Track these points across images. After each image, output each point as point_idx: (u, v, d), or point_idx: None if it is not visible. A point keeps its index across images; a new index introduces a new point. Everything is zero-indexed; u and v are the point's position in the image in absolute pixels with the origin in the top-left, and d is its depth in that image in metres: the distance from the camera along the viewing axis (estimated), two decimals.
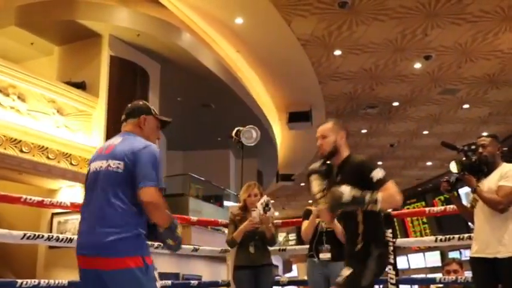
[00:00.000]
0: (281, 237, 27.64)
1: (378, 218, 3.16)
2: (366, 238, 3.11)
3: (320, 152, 3.39)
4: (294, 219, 9.50)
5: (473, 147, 3.83)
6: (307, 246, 4.64)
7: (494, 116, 14.52)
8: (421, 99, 13.37)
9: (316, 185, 3.34)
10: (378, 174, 3.05)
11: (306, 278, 4.72)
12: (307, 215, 4.54)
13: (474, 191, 3.72)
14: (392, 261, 4.55)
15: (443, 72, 11.86)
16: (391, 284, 4.51)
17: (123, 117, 3.06)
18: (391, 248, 4.60)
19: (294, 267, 26.14)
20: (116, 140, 2.92)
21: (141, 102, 3.12)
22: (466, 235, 4.44)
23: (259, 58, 11.48)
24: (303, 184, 21.49)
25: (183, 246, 2.98)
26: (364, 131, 15.82)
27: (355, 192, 2.99)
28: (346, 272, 3.06)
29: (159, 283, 2.74)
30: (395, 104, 13.71)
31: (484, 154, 3.80)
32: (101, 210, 2.67)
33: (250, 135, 5.50)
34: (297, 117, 13.25)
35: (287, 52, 10.96)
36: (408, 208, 20.38)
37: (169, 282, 4.97)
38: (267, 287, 4.63)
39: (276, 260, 23.18)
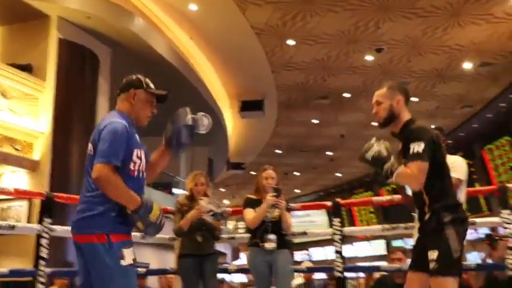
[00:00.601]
0: (230, 225, 27.69)
1: (443, 181, 2.93)
2: (432, 205, 2.90)
3: (376, 119, 3.27)
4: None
5: None
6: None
7: (442, 110, 14.90)
8: (372, 91, 13.35)
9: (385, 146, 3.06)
10: (415, 147, 2.84)
11: None
12: (248, 203, 4.54)
13: None
14: (339, 249, 4.61)
15: (393, 65, 12.08)
16: (338, 271, 4.57)
17: (117, 92, 2.97)
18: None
19: (242, 255, 26.30)
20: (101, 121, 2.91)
21: (134, 76, 2.99)
22: (410, 224, 4.54)
23: (212, 45, 11.40)
24: (253, 173, 21.57)
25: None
26: (315, 121, 15.97)
27: (382, 153, 2.91)
28: (433, 255, 2.79)
29: (126, 262, 2.63)
30: (347, 95, 13.88)
31: None
32: (80, 192, 2.77)
33: (201, 123, 5.44)
34: (249, 106, 13.26)
35: (241, 40, 10.92)
36: (356, 197, 20.79)
37: None
38: (211, 276, 4.64)
39: (225, 248, 23.28)
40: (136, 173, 2.75)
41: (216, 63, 12.28)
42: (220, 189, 24.06)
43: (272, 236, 4.36)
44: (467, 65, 12.03)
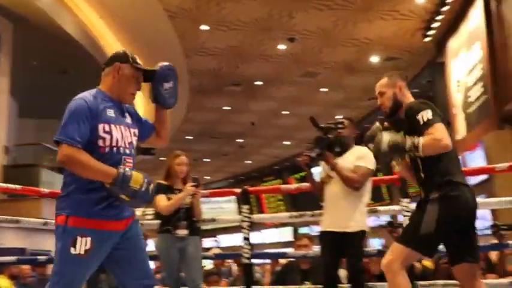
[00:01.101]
0: (139, 211, 27.19)
1: (439, 161, 2.84)
2: (426, 184, 2.89)
3: (383, 111, 3.18)
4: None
5: (333, 126, 4.01)
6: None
7: (349, 101, 15.36)
8: (283, 80, 13.76)
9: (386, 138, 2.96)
10: (424, 116, 2.80)
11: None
12: (160, 189, 4.46)
13: (333, 168, 3.90)
14: (247, 236, 4.64)
15: (305, 55, 12.28)
16: (246, 258, 4.60)
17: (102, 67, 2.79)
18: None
19: (150, 241, 25.90)
20: None
21: (121, 50, 2.84)
22: (318, 211, 4.64)
23: (123, 26, 11.07)
24: (163, 158, 21.27)
25: (32, 219, 2.78)
26: (226, 107, 15.97)
27: (395, 139, 2.85)
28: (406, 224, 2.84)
29: (76, 250, 2.46)
30: (259, 83, 13.98)
31: (343, 135, 4.02)
32: None
33: None
34: None
35: (153, 22, 10.68)
36: (265, 185, 21.07)
37: (13, 258, 4.66)
38: None
39: None
40: (107, 149, 2.57)
41: (126, 44, 11.93)
42: None
43: (184, 223, 4.33)
44: (374, 59, 12.47)
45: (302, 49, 11.96)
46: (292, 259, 5.30)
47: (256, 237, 21.93)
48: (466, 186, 2.86)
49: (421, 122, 2.78)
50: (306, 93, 14.73)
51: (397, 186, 5.26)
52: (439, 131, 2.75)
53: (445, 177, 2.82)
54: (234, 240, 22.39)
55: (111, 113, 2.62)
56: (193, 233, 4.39)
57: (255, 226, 4.79)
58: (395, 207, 4.60)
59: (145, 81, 2.84)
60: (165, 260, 4.37)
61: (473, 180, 9.34)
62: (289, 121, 17.12)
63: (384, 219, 9.00)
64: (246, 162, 23.01)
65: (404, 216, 4.35)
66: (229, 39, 11.38)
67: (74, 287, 2.54)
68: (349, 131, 4.08)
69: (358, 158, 3.95)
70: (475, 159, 9.29)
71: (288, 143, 20.02)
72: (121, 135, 2.63)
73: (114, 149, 2.60)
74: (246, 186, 4.86)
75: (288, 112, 16.33)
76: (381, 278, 4.63)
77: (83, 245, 2.49)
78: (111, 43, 11.84)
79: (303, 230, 19.99)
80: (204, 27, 10.82)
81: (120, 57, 2.76)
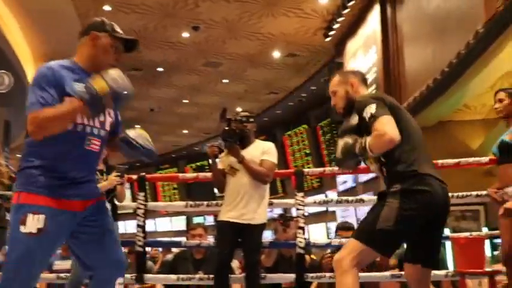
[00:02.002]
0: None
1: (400, 151, 2.60)
2: (389, 177, 2.67)
3: (337, 111, 2.93)
4: None
5: (244, 119, 4.08)
6: None
7: (249, 94, 15.54)
8: (185, 68, 13.66)
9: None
10: (368, 111, 2.59)
11: None
12: None
13: (241, 161, 3.97)
14: (141, 223, 4.60)
15: (209, 45, 12.26)
16: (139, 246, 4.56)
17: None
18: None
19: None
20: None
21: (98, 18, 2.62)
22: (214, 202, 4.69)
23: (19, 1, 10.48)
24: None
25: None
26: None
27: (346, 145, 2.63)
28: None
29: (26, 229, 2.27)
30: (160, 69, 13.79)
31: (247, 128, 4.11)
32: None
33: (1, 81, 5.04)
34: None
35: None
36: (161, 173, 20.88)
37: None
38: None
39: None
40: (70, 125, 2.38)
41: (22, 21, 11.31)
42: (18, 155, 22.41)
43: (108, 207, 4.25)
44: (276, 54, 12.70)
45: (206, 38, 11.93)
46: (184, 248, 5.32)
47: (150, 225, 21.67)
48: (436, 179, 2.62)
49: (367, 119, 2.58)
50: (207, 83, 14.72)
51: (291, 180, 5.42)
52: (381, 124, 2.52)
53: (409, 167, 2.59)
54: (125, 227, 22.02)
55: (80, 86, 2.38)
56: (115, 218, 4.33)
57: (149, 214, 4.76)
58: (290, 201, 4.75)
59: (127, 51, 2.69)
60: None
61: (363, 177, 9.85)
62: (189, 110, 17.05)
63: (277, 211, 9.25)
64: None
65: (298, 209, 4.51)
66: (132, 22, 11.12)
67: (27, 270, 2.32)
68: (251, 125, 4.18)
69: (264, 152, 4.06)
70: None
71: (186, 131, 19.93)
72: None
73: (79, 126, 2.42)
74: (142, 173, 4.81)
75: (187, 101, 16.24)
76: (272, 270, 4.78)
77: (34, 223, 2.30)
78: (5, 19, 11.18)
79: (197, 220, 20.03)
80: (106, 7, 10.50)
81: (97, 26, 2.58)
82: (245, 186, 4.01)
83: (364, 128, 2.62)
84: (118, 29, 2.60)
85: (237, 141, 4.04)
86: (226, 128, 4.02)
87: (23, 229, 2.29)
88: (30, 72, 13.43)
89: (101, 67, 2.49)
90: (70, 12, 10.59)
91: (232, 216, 4.01)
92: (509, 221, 3.84)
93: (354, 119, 2.68)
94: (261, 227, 4.06)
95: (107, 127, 2.59)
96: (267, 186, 4.18)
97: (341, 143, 2.68)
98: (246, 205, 3.98)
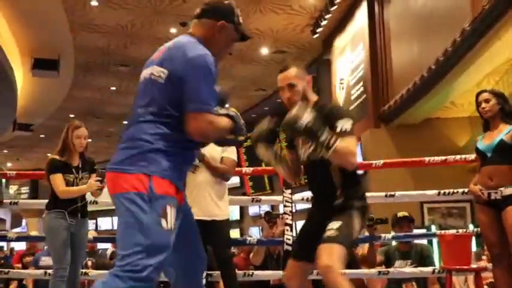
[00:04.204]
0: (12, 190, 25.84)
1: (356, 173, 2.79)
2: (345, 191, 2.74)
3: (289, 105, 2.77)
4: (29, 172, 8.98)
5: None
6: (45, 200, 4.41)
7: (237, 90, 15.52)
8: None
9: (263, 153, 2.84)
10: (344, 123, 2.60)
11: (35, 233, 4.49)
12: (56, 167, 4.23)
13: (201, 159, 3.99)
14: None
15: None
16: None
17: (196, 11, 2.42)
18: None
19: (23, 222, 24.72)
20: (171, 43, 2.38)
21: (227, 2, 2.40)
22: None
23: None
24: (42, 136, 20.29)
25: None
26: (113, 88, 15.55)
27: (316, 123, 2.51)
28: (335, 224, 2.61)
29: (168, 224, 2.07)
30: None
31: None
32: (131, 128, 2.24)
33: None
34: (42, 65, 12.35)
35: None
36: None
37: None
38: None
39: (4, 214, 21.66)
40: None
41: (8, 13, 11.21)
42: (4, 150, 22.26)
43: (78, 205, 4.21)
44: (264, 50, 12.70)
45: None
46: None
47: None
48: None
49: (338, 129, 2.59)
50: None
51: (278, 177, 5.42)
52: (353, 145, 2.61)
53: (362, 187, 2.83)
54: (114, 223, 21.96)
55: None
56: (85, 215, 4.29)
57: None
58: (278, 197, 4.75)
59: (237, 41, 2.53)
60: (54, 240, 4.17)
61: None
62: None
63: (264, 208, 9.26)
64: None
65: (285, 206, 4.51)
66: (119, 18, 11.06)
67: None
68: None
69: (223, 150, 4.09)
70: None
71: None
72: None
73: None
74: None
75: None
76: (260, 268, 4.78)
77: (172, 217, 2.12)
78: None
79: None
80: (93, 2, 10.42)
81: (227, 14, 2.37)
82: (205, 183, 4.02)
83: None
84: (242, 21, 2.43)
85: None
86: None
87: (164, 225, 2.10)
88: (17, 69, 13.33)
89: (218, 59, 2.40)
90: (57, 7, 10.50)
91: (197, 213, 4.02)
92: (486, 218, 3.89)
93: (310, 115, 2.55)
94: (227, 223, 4.09)
95: None
96: (226, 183, 4.20)
97: (308, 116, 2.53)
98: (209, 201, 4.00)
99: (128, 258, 2.00)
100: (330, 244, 2.56)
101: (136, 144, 2.15)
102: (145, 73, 2.38)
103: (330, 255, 2.53)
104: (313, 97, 2.88)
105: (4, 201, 4.79)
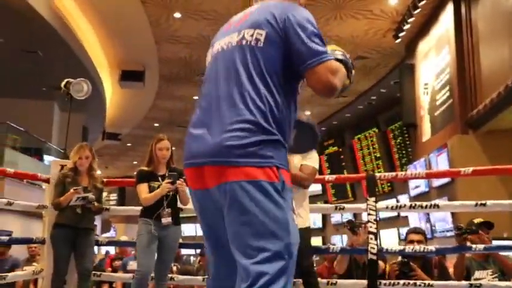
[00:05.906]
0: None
1: None
2: None
3: None
4: (118, 179, 9.31)
5: None
6: (135, 208, 4.61)
7: (318, 98, 15.37)
8: None
9: None
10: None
11: (124, 238, 4.65)
12: (142, 177, 4.43)
13: None
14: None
15: None
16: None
17: None
18: None
19: (112, 227, 25.71)
20: (251, 8, 2.14)
21: None
22: None
23: (96, 9, 10.89)
24: (129, 144, 21.08)
25: None
26: (195, 97, 15.90)
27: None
28: None
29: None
30: None
31: None
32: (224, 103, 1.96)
33: (80, 88, 5.23)
34: (129, 76, 12.89)
35: (126, 7, 10.54)
36: None
37: None
38: (87, 251, 4.53)
39: (95, 220, 22.61)
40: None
41: (98, 28, 11.76)
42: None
43: (168, 211, 4.32)
44: None
45: None
46: None
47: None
48: None
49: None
50: None
51: (360, 184, 5.31)
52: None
53: None
54: (196, 230, 22.41)
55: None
56: (176, 222, 4.39)
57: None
58: (361, 205, 4.66)
59: None
60: (143, 245, 4.31)
61: (436, 182, 9.57)
62: None
63: (346, 216, 9.13)
64: None
65: (369, 214, 4.42)
66: (201, 29, 11.31)
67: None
68: None
69: (304, 157, 4.06)
70: (440, 161, 9.47)
71: None
72: None
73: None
74: None
75: None
76: (345, 277, 4.70)
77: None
78: (82, 26, 11.66)
79: None
80: (177, 14, 10.73)
81: None
82: None
83: None
84: None
85: None
86: None
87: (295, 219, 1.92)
88: (106, 80, 13.95)
89: None
90: (142, 20, 10.90)
91: None
92: None
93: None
94: (307, 231, 4.02)
95: None
96: (307, 190, 4.17)
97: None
98: None
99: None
100: None
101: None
102: (222, 43, 2.12)
103: None
104: None
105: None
